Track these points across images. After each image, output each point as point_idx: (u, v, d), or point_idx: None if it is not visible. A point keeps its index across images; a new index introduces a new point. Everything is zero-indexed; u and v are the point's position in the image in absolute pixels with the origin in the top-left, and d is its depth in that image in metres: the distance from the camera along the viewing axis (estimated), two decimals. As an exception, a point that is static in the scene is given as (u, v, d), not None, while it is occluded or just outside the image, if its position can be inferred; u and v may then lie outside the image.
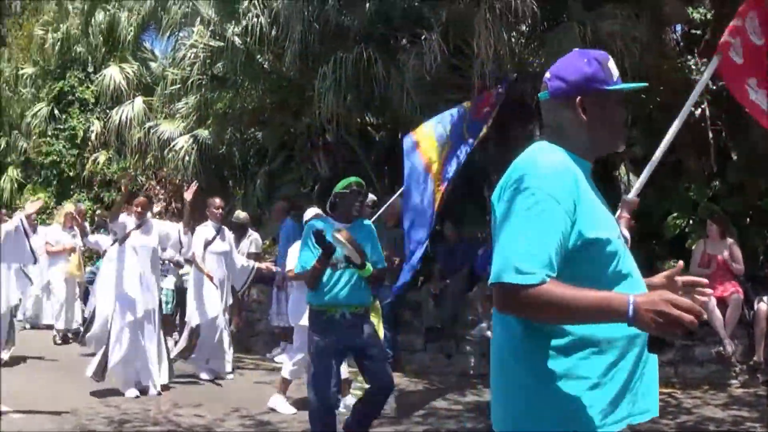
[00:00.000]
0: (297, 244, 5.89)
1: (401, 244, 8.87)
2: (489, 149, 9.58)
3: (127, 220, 7.77)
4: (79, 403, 7.12)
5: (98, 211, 15.06)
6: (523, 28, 9.48)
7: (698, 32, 9.66)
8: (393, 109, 10.17)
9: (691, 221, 9.28)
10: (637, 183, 5.08)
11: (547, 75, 2.25)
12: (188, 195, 7.98)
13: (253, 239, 10.46)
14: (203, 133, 12.76)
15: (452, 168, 7.62)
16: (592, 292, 1.93)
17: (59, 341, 10.81)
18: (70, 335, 11.00)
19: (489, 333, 8.26)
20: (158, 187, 15.66)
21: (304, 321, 6.03)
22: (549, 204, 1.97)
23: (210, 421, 6.77)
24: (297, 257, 5.40)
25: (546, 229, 1.96)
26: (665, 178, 9.05)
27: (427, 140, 7.52)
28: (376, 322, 6.44)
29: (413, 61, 9.07)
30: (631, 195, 4.90)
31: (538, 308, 1.95)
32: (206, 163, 12.85)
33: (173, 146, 12.92)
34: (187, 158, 12.62)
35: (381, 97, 10.00)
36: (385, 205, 8.54)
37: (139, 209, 7.74)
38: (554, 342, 2.05)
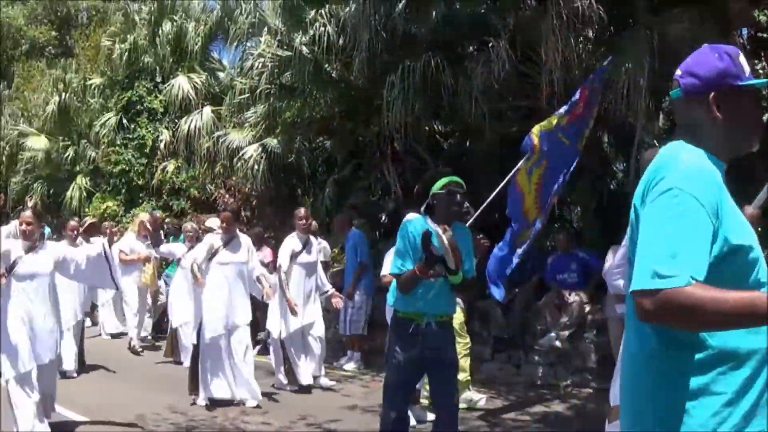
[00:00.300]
0: (392, 250, 5.55)
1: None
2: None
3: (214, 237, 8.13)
4: (148, 409, 7.49)
5: (167, 219, 15.56)
6: (590, 33, 9.64)
7: (765, 35, 9.71)
8: (461, 117, 10.40)
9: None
10: (760, 194, 4.79)
11: (678, 72, 2.24)
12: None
13: (321, 247, 10.73)
14: (272, 142, 13.18)
15: (555, 186, 7.44)
16: (738, 293, 1.89)
17: (139, 349, 11.27)
18: (141, 343, 11.50)
19: (558, 343, 8.76)
20: (227, 196, 16.10)
21: None
22: (692, 205, 1.95)
23: (277, 429, 7.02)
24: (392, 258, 5.21)
25: (689, 231, 1.93)
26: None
27: (521, 174, 7.33)
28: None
29: (481, 69, 9.32)
30: (753, 207, 4.62)
31: (681, 314, 1.90)
32: (275, 172, 13.26)
33: (242, 155, 13.39)
34: (256, 167, 13.04)
35: (449, 105, 10.24)
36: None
37: (225, 224, 8.06)
38: (693, 356, 2.00)
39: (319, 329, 8.81)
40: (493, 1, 10.42)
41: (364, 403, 7.97)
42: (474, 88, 9.44)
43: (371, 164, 12.37)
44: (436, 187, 5.05)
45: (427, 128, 11.46)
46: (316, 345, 8.76)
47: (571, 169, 7.45)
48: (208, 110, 16.21)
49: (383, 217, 12.04)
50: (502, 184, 7.39)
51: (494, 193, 7.54)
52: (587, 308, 9.00)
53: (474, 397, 7.76)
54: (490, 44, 9.33)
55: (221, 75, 18.05)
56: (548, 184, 7.38)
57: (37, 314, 6.21)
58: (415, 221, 5.05)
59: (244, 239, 8.23)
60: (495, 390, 8.79)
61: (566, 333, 8.87)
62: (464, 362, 7.29)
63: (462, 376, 6.85)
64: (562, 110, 7.26)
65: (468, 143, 11.28)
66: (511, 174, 7.26)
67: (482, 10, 10.49)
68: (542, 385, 8.98)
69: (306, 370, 8.63)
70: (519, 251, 7.34)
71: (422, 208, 5.14)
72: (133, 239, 11.88)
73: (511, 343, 9.48)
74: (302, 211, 8.92)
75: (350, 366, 10.08)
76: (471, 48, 10.73)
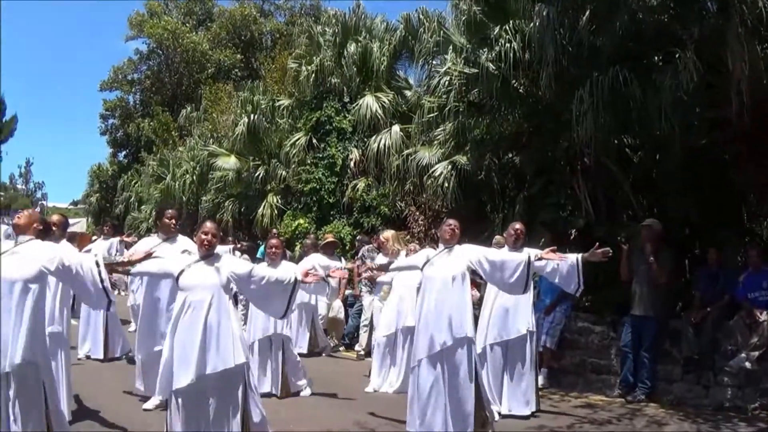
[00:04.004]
0: None
1: (661, 269, 10.03)
2: (745, 170, 10.26)
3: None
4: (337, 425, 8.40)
5: (358, 237, 16.98)
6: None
7: None
8: (649, 131, 11.05)
9: None
10: None
11: None
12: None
13: None
14: (461, 159, 14.28)
15: None
16: None
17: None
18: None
19: (748, 364, 9.19)
20: (417, 213, 17.33)
21: None
22: None
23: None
24: None
25: None
26: None
27: None
28: None
29: (668, 80, 9.96)
30: None
31: None
32: (465, 189, 14.27)
33: (432, 172, 14.58)
34: (445, 184, 14.14)
35: (637, 119, 10.92)
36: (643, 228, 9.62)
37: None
38: None
39: None
40: (676, 10, 10.90)
41: (553, 424, 8.76)
42: (662, 100, 10.05)
43: (561, 180, 12.96)
44: None
45: (616, 142, 12.06)
46: None
47: None
48: (396, 128, 17.99)
49: (573, 234, 12.49)
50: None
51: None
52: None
53: None
54: (677, 55, 9.98)
55: (408, 93, 19.57)
56: None
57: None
58: None
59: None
60: (683, 412, 9.38)
61: (756, 354, 9.19)
62: None
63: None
64: None
65: (657, 157, 11.79)
66: None
67: (665, 19, 11.06)
68: (730, 408, 9.40)
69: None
70: None
71: None
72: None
73: (700, 364, 9.85)
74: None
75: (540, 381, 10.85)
76: (656, 59, 11.28)
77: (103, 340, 12.49)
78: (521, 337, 9.15)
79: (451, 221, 8.32)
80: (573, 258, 8.46)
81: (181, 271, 6.73)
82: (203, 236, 6.87)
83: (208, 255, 6.89)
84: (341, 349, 14.41)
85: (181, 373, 6.45)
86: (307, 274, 7.28)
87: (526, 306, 9.19)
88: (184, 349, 6.50)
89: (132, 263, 7.23)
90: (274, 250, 10.25)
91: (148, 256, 7.09)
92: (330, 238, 15.02)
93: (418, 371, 7.82)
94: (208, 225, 6.98)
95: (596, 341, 10.91)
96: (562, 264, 8.46)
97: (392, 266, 9.87)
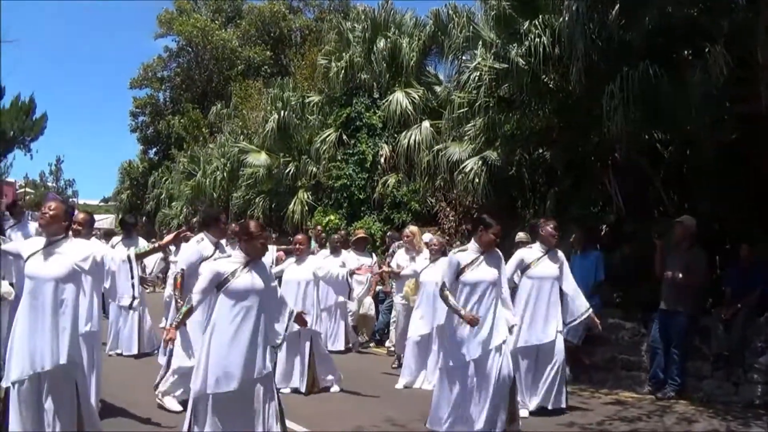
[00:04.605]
0: None
1: (696, 266, 10.04)
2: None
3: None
4: (367, 421, 8.39)
5: (389, 233, 17.11)
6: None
7: None
8: (679, 125, 11.07)
9: None
10: None
11: None
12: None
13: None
14: (492, 154, 14.43)
15: None
16: None
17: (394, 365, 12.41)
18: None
19: None
20: (448, 209, 17.49)
21: None
22: None
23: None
24: None
25: None
26: None
27: None
28: None
29: (698, 75, 10.00)
30: None
31: None
32: (496, 185, 14.42)
33: (462, 168, 14.76)
34: (476, 180, 14.32)
35: (667, 113, 10.89)
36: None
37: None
38: None
39: None
40: (706, 3, 10.92)
41: (583, 421, 8.75)
42: (692, 95, 10.10)
43: (592, 175, 13.08)
44: None
45: (646, 137, 12.13)
46: None
47: None
48: (426, 124, 18.15)
49: (603, 229, 12.57)
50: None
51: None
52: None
53: None
54: (706, 49, 10.01)
55: (438, 89, 19.72)
56: None
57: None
58: None
59: None
60: (713, 409, 9.35)
61: (786, 350, 9.13)
62: None
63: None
64: None
65: (687, 152, 11.82)
66: None
67: (694, 13, 11.07)
68: (760, 405, 9.33)
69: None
70: None
71: None
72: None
73: (730, 360, 9.79)
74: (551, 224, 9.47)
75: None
76: (686, 53, 11.34)
77: (137, 336, 12.76)
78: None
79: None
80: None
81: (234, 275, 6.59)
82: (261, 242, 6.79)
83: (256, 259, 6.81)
84: (371, 345, 14.54)
85: (221, 379, 6.38)
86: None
87: (557, 309, 9.17)
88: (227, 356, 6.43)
89: (162, 247, 7.36)
90: (299, 246, 10.50)
91: (177, 237, 7.23)
92: (361, 233, 15.15)
93: (463, 370, 7.69)
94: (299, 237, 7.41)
95: (626, 338, 10.93)
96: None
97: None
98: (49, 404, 6.11)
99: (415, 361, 10.81)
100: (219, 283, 6.51)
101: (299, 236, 10.83)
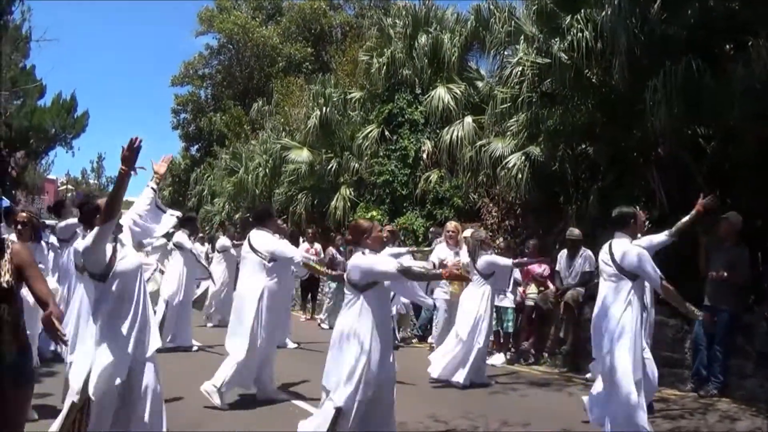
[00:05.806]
0: None
1: (740, 264, 10.09)
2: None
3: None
4: (410, 418, 8.32)
5: (431, 229, 17.33)
6: None
7: None
8: (722, 120, 11.15)
9: None
10: None
11: None
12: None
13: (586, 256, 12.06)
14: (535, 150, 14.57)
15: None
16: None
17: None
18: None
19: None
20: (491, 205, 17.59)
21: None
22: None
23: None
24: None
25: None
26: None
27: None
28: None
29: (740, 69, 10.09)
30: None
31: None
32: (539, 180, 14.57)
33: (505, 164, 14.91)
34: (519, 176, 14.46)
35: (709, 108, 10.97)
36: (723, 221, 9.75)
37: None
38: None
39: None
40: None
41: None
42: (734, 89, 10.15)
43: (635, 171, 13.10)
44: None
45: (689, 132, 12.18)
46: None
47: None
48: (469, 120, 18.37)
49: (647, 226, 12.46)
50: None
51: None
52: None
53: None
54: (749, 43, 10.11)
55: (480, 84, 19.88)
56: None
57: None
58: None
59: None
60: (755, 407, 9.37)
61: (829, 348, 9.13)
62: None
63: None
64: None
65: (729, 147, 11.79)
66: None
67: (735, 6, 11.13)
68: None
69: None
70: None
71: None
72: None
73: None
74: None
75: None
76: (728, 47, 11.40)
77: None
78: None
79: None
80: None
81: None
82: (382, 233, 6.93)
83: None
84: (414, 341, 14.72)
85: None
86: None
87: None
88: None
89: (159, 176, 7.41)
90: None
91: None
92: (389, 229, 15.14)
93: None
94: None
95: (670, 335, 10.99)
96: None
97: None
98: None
99: (461, 358, 10.81)
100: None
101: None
